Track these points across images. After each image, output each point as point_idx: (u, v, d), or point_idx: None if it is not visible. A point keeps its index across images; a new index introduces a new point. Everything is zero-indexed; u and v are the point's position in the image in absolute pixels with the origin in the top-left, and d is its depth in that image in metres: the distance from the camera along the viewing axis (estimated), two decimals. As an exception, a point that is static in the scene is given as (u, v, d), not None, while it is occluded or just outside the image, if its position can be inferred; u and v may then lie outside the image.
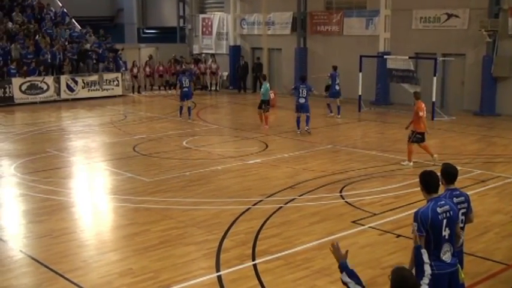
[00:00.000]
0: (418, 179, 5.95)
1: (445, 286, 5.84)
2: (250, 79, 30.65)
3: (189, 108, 21.77)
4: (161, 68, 31.18)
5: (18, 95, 25.46)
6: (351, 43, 26.45)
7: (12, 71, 25.50)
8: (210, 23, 33.28)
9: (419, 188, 6.00)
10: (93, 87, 27.67)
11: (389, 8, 24.89)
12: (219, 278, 7.96)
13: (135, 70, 29.89)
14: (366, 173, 13.49)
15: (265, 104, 19.52)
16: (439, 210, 5.71)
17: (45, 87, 26.18)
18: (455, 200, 6.22)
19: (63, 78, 26.74)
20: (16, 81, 25.42)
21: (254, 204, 11.18)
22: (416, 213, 5.69)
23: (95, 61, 28.50)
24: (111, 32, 33.18)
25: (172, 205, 11.24)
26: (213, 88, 31.33)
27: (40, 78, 26.05)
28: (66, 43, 28.61)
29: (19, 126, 20.84)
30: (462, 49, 22.93)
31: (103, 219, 10.96)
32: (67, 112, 24.28)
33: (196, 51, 34.32)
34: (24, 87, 25.60)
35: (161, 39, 37.02)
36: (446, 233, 5.76)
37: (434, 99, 21.29)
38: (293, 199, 11.49)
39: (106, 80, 28.12)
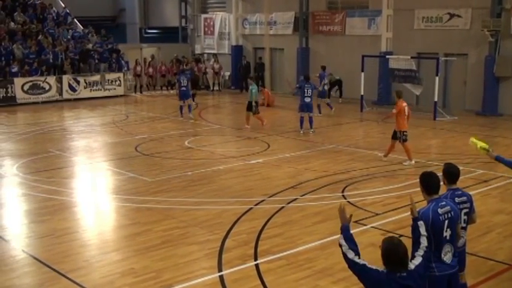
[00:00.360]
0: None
1: (446, 287, 5.84)
2: (252, 79, 30.60)
3: (189, 106, 21.97)
4: (163, 67, 31.21)
5: (20, 95, 25.50)
6: (353, 43, 26.45)
7: (14, 70, 25.54)
8: (212, 23, 33.29)
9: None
10: (95, 87, 27.70)
11: (392, 7, 24.87)
12: (221, 278, 7.96)
13: (138, 69, 29.92)
14: (368, 173, 13.48)
15: (255, 106, 19.28)
16: (440, 211, 5.68)
17: (47, 87, 26.22)
18: (457, 199, 6.20)
19: (65, 78, 26.78)
20: (18, 81, 25.45)
21: (256, 204, 11.18)
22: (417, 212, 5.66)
23: (97, 61, 28.52)
24: (113, 32, 33.21)
25: (174, 205, 11.24)
26: (215, 88, 31.34)
27: (42, 78, 26.09)
28: (69, 43, 28.62)
29: (21, 126, 20.86)
30: (464, 49, 22.91)
31: (105, 219, 10.96)
32: (69, 112, 24.31)
33: (198, 51, 34.35)
34: (26, 87, 25.64)
35: (163, 39, 37.04)
36: (447, 233, 5.74)
37: (436, 99, 21.29)
38: (295, 199, 11.49)
39: (108, 80, 28.16)
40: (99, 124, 20.92)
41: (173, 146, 16.80)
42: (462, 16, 22.89)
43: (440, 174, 6.17)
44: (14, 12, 29.43)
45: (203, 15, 34.14)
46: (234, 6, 31.38)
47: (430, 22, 23.95)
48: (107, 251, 9.03)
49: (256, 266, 8.32)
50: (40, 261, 8.56)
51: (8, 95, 25.24)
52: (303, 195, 11.73)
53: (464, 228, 6.36)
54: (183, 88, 21.75)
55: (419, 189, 5.90)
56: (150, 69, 30.77)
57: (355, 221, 9.94)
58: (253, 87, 19.61)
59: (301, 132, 18.38)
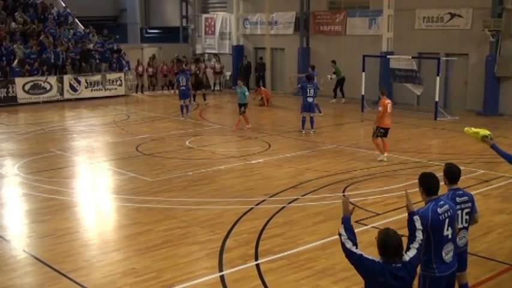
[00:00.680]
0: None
1: (446, 287, 5.85)
2: (253, 79, 30.62)
3: (187, 106, 22.21)
4: (165, 67, 31.22)
5: (21, 95, 25.52)
6: (353, 43, 26.44)
7: (15, 70, 25.55)
8: (213, 23, 33.28)
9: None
10: (96, 87, 27.72)
11: (392, 7, 24.86)
12: (222, 277, 7.96)
13: (140, 69, 29.93)
14: (369, 173, 13.48)
15: (244, 107, 19.16)
16: (439, 210, 5.69)
17: (48, 87, 26.23)
18: (458, 199, 6.21)
19: (66, 78, 26.80)
20: (19, 81, 25.47)
21: (257, 204, 11.18)
22: (415, 213, 5.61)
23: (98, 61, 28.54)
24: (114, 31, 33.20)
25: (175, 205, 11.24)
26: (216, 88, 31.34)
27: (43, 78, 26.10)
28: (70, 43, 28.63)
29: (22, 126, 20.87)
30: (465, 49, 22.90)
31: (106, 219, 10.97)
32: (70, 112, 24.33)
33: (199, 51, 34.35)
34: (27, 87, 25.66)
35: (164, 39, 37.04)
36: (448, 232, 5.75)
37: (437, 99, 21.28)
38: (296, 199, 11.49)
39: (109, 80, 28.17)
40: (100, 124, 20.92)
41: (174, 146, 16.80)
42: (463, 16, 22.87)
43: (440, 174, 6.17)
44: (15, 12, 29.43)
45: (204, 15, 34.13)
46: (234, 6, 31.36)
47: (431, 22, 23.94)
48: (107, 250, 9.04)
49: (257, 266, 8.33)
50: (41, 261, 8.56)
51: (9, 94, 25.26)
52: (304, 195, 11.73)
53: (466, 228, 6.36)
54: (182, 87, 21.95)
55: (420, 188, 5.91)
56: (151, 69, 30.78)
57: (356, 221, 9.94)
58: (244, 90, 19.35)
59: (303, 132, 18.37)
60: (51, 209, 10.98)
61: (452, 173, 6.33)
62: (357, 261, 4.81)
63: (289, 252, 8.81)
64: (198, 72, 29.34)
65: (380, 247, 4.78)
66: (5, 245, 9.31)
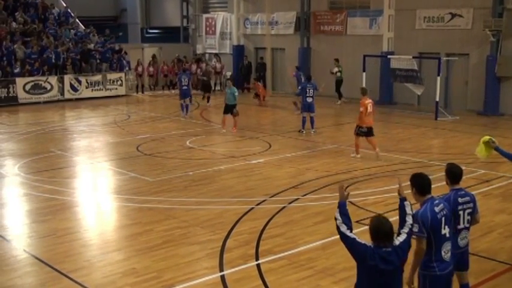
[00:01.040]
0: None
1: (445, 286, 5.87)
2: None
3: (186, 106, 22.36)
4: (165, 67, 31.22)
5: (22, 95, 25.52)
6: (354, 43, 26.43)
7: (16, 70, 25.56)
8: (213, 23, 33.28)
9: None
10: (96, 87, 27.73)
11: (393, 7, 24.86)
12: (223, 277, 7.96)
13: (139, 69, 29.93)
14: (369, 173, 13.47)
15: (235, 108, 18.84)
16: (436, 209, 5.75)
17: (48, 87, 26.24)
18: (460, 200, 6.22)
19: (67, 78, 26.81)
20: (20, 81, 25.47)
21: (257, 204, 11.18)
22: (415, 216, 5.63)
23: (98, 61, 28.54)
24: (115, 31, 33.21)
25: (176, 205, 11.24)
26: (217, 88, 31.33)
27: (44, 78, 26.10)
28: (70, 43, 28.62)
29: (23, 126, 20.87)
30: (466, 49, 22.89)
31: (106, 219, 10.97)
32: (71, 112, 24.33)
33: (199, 51, 34.34)
34: (28, 87, 25.66)
35: (165, 39, 37.04)
36: (446, 231, 5.81)
37: (437, 99, 21.28)
38: (296, 199, 11.49)
39: (109, 79, 28.17)
40: (100, 124, 20.93)
41: (174, 146, 16.80)
42: (464, 16, 22.87)
43: (441, 174, 6.18)
44: (16, 12, 29.43)
45: (205, 15, 34.13)
46: (235, 6, 31.36)
47: (431, 22, 23.93)
48: (108, 250, 9.04)
49: (258, 265, 8.33)
50: (41, 261, 8.56)
51: (10, 95, 25.25)
52: (304, 195, 11.73)
53: (467, 229, 6.37)
54: (184, 87, 22.08)
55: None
56: (151, 69, 30.78)
57: (357, 221, 9.93)
58: (234, 90, 19.10)
59: (304, 132, 18.37)
60: (52, 209, 10.98)
61: (454, 173, 6.33)
62: (350, 244, 5.05)
63: (289, 252, 8.81)
64: (202, 73, 29.20)
65: (372, 232, 5.00)
66: (5, 245, 9.31)
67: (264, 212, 10.68)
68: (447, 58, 22.52)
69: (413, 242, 5.76)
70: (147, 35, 38.99)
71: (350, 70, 25.59)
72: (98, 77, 27.82)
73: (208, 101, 25.74)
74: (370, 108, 14.77)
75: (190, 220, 10.32)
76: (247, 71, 30.36)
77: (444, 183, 6.52)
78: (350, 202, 11.11)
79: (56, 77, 26.53)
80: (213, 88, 31.10)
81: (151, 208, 11.08)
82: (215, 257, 8.64)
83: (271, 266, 8.29)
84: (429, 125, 20.29)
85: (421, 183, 5.85)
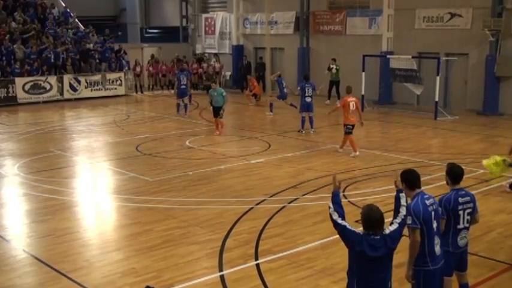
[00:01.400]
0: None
1: (438, 281, 5.91)
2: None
3: (185, 105, 22.40)
4: (164, 67, 31.19)
5: (21, 95, 25.51)
6: (354, 43, 26.43)
7: (15, 70, 25.55)
8: (212, 23, 33.28)
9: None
10: (96, 87, 27.72)
11: (393, 7, 24.85)
12: (222, 277, 7.96)
13: (137, 69, 29.91)
14: (368, 173, 13.47)
15: (222, 110, 18.27)
16: (427, 202, 5.87)
17: (48, 86, 26.23)
18: (460, 200, 6.24)
19: (66, 78, 26.79)
20: (19, 81, 25.46)
21: (257, 204, 11.18)
22: (407, 208, 5.73)
23: (97, 61, 28.53)
24: (114, 31, 33.19)
25: (175, 205, 11.24)
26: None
27: (43, 78, 26.09)
28: (69, 43, 28.61)
29: (22, 125, 20.87)
30: (465, 48, 22.89)
31: (106, 219, 10.97)
32: (70, 112, 24.33)
33: (199, 50, 34.33)
34: (27, 87, 25.65)
35: (164, 38, 37.03)
36: (434, 225, 5.92)
37: (437, 99, 21.28)
38: (296, 199, 11.49)
39: (109, 79, 28.17)
40: (100, 124, 20.93)
41: (174, 146, 16.80)
42: (463, 16, 22.87)
43: (441, 174, 6.19)
44: (15, 12, 29.40)
45: (204, 15, 34.12)
46: (234, 6, 31.36)
47: (431, 22, 23.93)
48: (107, 250, 9.04)
49: (257, 265, 8.33)
50: (41, 261, 8.56)
51: (9, 94, 25.25)
52: (304, 195, 11.74)
53: (467, 229, 6.38)
54: (183, 86, 22.21)
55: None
56: (151, 69, 30.77)
57: (356, 221, 9.93)
58: (221, 91, 18.55)
59: (303, 132, 18.37)
60: (51, 209, 10.98)
61: (455, 173, 6.35)
62: (341, 231, 5.32)
63: (289, 252, 8.81)
64: (206, 78, 29.08)
65: (363, 220, 5.23)
66: (4, 245, 9.31)
67: (263, 212, 10.68)
68: (446, 58, 22.51)
69: (407, 240, 5.83)
70: (147, 35, 38.97)
71: (349, 70, 25.56)
72: (97, 77, 27.81)
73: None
74: (352, 106, 15.08)
75: (189, 220, 10.32)
76: (247, 71, 30.33)
77: (444, 182, 6.52)
78: (349, 202, 11.18)
79: (55, 77, 26.52)
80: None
81: (151, 208, 11.08)
82: (214, 256, 8.64)
83: (271, 266, 8.29)
84: (428, 124, 20.30)
85: (410, 178, 5.99)
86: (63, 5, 32.53)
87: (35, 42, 27.17)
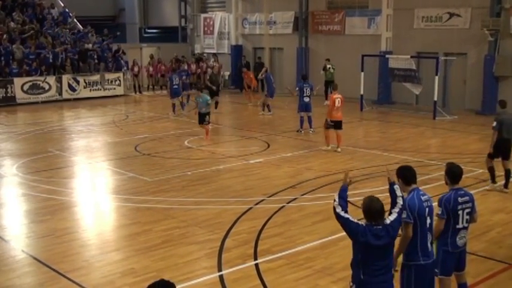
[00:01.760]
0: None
1: (430, 276, 5.95)
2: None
3: (181, 103, 22.71)
4: (163, 67, 31.19)
5: (20, 95, 25.49)
6: (352, 42, 26.44)
7: (14, 70, 25.54)
8: (211, 23, 33.28)
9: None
10: (94, 87, 27.71)
11: (391, 7, 24.86)
12: (221, 277, 7.96)
13: (135, 69, 29.90)
14: (367, 173, 13.48)
15: (208, 116, 17.72)
16: (422, 198, 5.95)
17: (47, 87, 26.22)
18: (460, 199, 6.27)
19: (65, 78, 26.78)
20: (18, 81, 25.44)
21: (256, 204, 11.19)
22: (404, 200, 5.79)
23: (96, 61, 28.51)
24: (113, 31, 33.18)
25: (174, 205, 11.24)
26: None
27: (42, 78, 26.08)
28: (68, 43, 28.59)
29: (21, 126, 20.85)
30: (464, 48, 22.91)
31: (105, 219, 10.96)
32: (69, 112, 24.31)
33: (198, 50, 34.33)
34: (26, 87, 25.64)
35: (163, 38, 37.04)
36: (428, 221, 5.97)
37: (436, 99, 21.28)
38: (295, 198, 11.49)
39: (108, 79, 28.15)
40: (98, 124, 20.92)
41: (173, 146, 16.80)
42: (462, 15, 22.89)
43: (440, 174, 6.20)
44: (13, 12, 29.38)
45: (203, 15, 34.12)
46: (233, 6, 31.35)
47: (429, 21, 23.95)
48: (107, 250, 9.03)
49: (256, 265, 8.33)
50: (40, 261, 8.56)
51: (8, 95, 25.23)
52: (303, 194, 11.74)
53: (466, 228, 6.39)
54: (175, 86, 22.49)
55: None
56: (151, 69, 30.75)
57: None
58: (206, 98, 17.94)
59: (302, 132, 18.38)
60: (50, 209, 10.97)
61: (454, 173, 6.36)
62: (344, 223, 5.44)
63: (288, 251, 8.81)
64: (209, 81, 28.96)
65: (365, 211, 5.41)
66: (4, 245, 9.30)
67: (262, 212, 10.68)
68: (445, 58, 22.53)
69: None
70: (145, 35, 38.96)
71: (348, 70, 25.58)
72: (96, 77, 27.79)
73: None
74: (338, 103, 15.62)
75: (188, 220, 10.32)
76: (242, 67, 30.25)
77: (443, 182, 6.53)
78: (348, 202, 11.15)
79: (54, 77, 26.51)
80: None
81: (150, 208, 11.07)
82: (214, 256, 8.64)
83: (270, 266, 8.29)
84: (427, 124, 20.31)
85: (406, 174, 6.09)
86: (62, 5, 32.52)
87: (34, 43, 27.14)
